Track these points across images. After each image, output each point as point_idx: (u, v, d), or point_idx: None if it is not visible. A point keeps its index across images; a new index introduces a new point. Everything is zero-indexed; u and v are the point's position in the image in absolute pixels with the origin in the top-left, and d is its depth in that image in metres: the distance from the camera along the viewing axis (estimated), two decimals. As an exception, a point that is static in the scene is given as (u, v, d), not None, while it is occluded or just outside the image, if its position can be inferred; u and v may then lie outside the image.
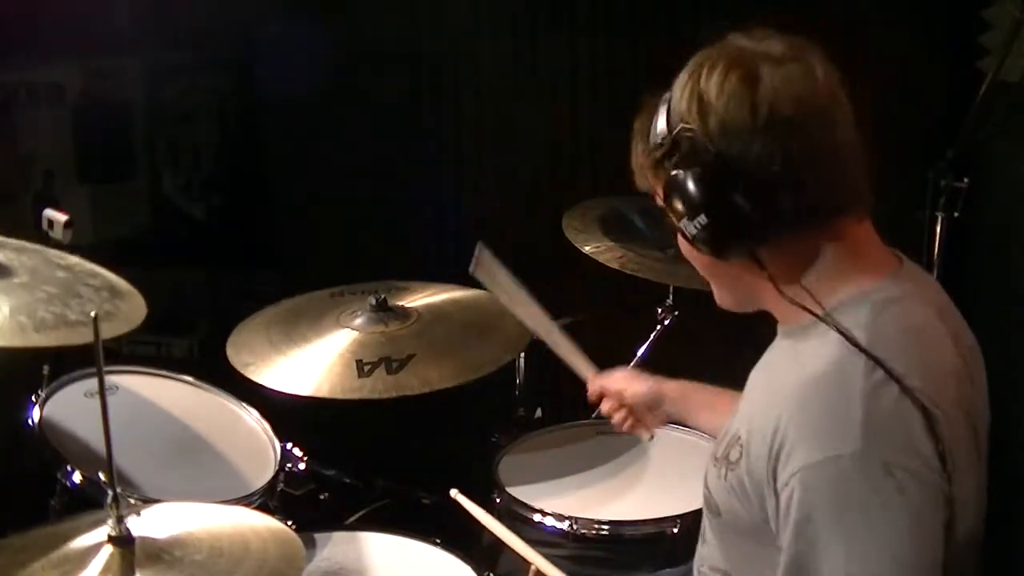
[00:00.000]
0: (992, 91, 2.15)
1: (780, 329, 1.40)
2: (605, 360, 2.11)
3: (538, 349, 2.31)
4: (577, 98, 3.20)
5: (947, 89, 2.84)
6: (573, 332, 1.99)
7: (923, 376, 1.23)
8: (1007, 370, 2.43)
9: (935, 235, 2.23)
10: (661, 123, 1.32)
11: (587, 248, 2.38)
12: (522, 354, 2.36)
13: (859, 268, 1.32)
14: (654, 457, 2.25)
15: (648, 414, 1.92)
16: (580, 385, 2.44)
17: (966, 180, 2.19)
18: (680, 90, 1.30)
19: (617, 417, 1.94)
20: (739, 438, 1.33)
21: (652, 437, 2.00)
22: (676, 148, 1.29)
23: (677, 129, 1.29)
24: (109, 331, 1.72)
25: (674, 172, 1.29)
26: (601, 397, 1.97)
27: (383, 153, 3.29)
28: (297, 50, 3.13)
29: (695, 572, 1.51)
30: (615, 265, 2.34)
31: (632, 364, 2.39)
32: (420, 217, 3.29)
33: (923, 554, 1.19)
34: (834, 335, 1.26)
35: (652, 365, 2.35)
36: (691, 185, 1.27)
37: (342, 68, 3.26)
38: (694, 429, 1.85)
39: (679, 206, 1.29)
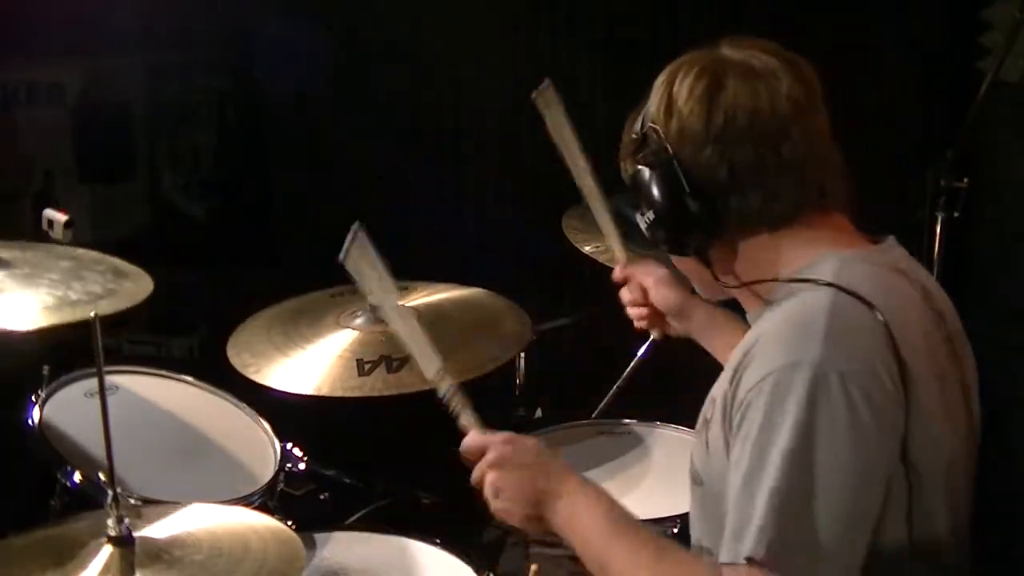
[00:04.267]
0: (992, 91, 2.15)
1: (748, 317, 1.44)
2: (605, 361, 2.11)
3: (538, 349, 2.31)
4: (577, 98, 3.19)
5: (947, 89, 2.84)
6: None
7: (888, 310, 1.26)
8: (1007, 370, 2.43)
9: (935, 235, 2.23)
10: (640, 119, 1.41)
11: (587, 248, 2.38)
12: (522, 354, 2.35)
13: (820, 241, 1.35)
14: (654, 457, 2.25)
15: (666, 320, 1.91)
16: (579, 386, 2.44)
17: (966, 180, 2.19)
18: (656, 89, 1.39)
19: (634, 310, 1.93)
20: (714, 398, 1.36)
21: (660, 338, 1.95)
22: (644, 144, 1.38)
23: (647, 127, 1.38)
24: (110, 307, 1.69)
25: (637, 167, 1.38)
26: (625, 281, 1.95)
27: (383, 153, 3.29)
28: (297, 50, 3.13)
29: None
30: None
31: (631, 365, 2.38)
32: (420, 217, 3.28)
33: (863, 475, 1.20)
34: (798, 295, 1.30)
35: (652, 365, 2.36)
36: (647, 182, 1.37)
37: (342, 68, 3.27)
38: (711, 351, 1.85)
39: (639, 200, 1.39)
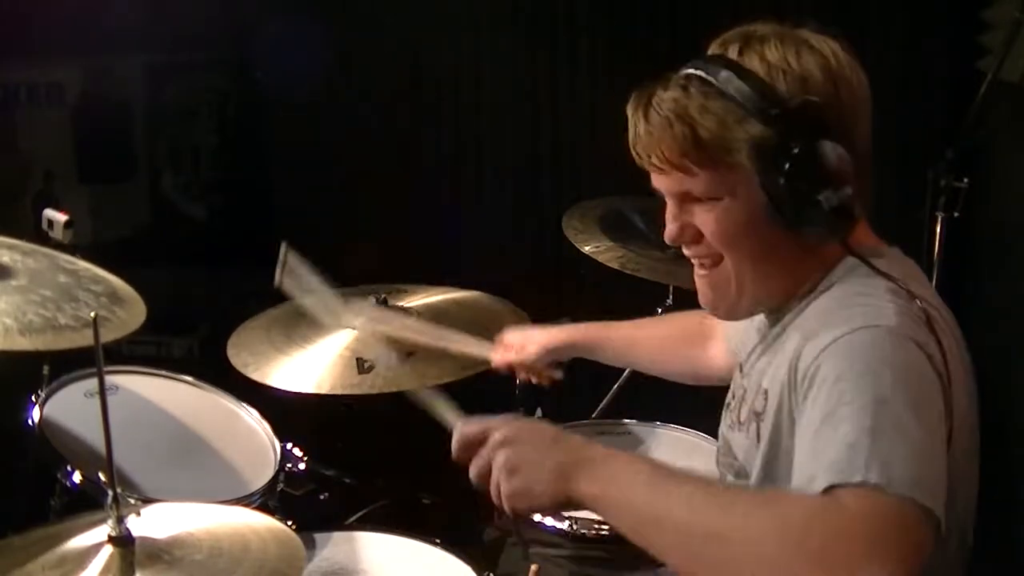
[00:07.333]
0: (992, 91, 2.15)
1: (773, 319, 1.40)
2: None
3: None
4: (577, 98, 3.20)
5: (947, 89, 2.84)
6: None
7: (931, 299, 1.27)
8: (1007, 369, 2.43)
9: (935, 235, 2.23)
10: (755, 89, 1.24)
11: (587, 248, 2.38)
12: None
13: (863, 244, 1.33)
14: (654, 457, 2.25)
15: (549, 368, 2.01)
16: (580, 385, 2.44)
17: (966, 180, 2.19)
18: (794, 58, 1.27)
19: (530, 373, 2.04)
20: (761, 385, 1.33)
21: (560, 377, 2.04)
22: (800, 117, 1.23)
23: (806, 98, 1.24)
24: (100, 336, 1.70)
25: (817, 141, 1.22)
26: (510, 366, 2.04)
27: (383, 153, 3.29)
28: (297, 50, 3.13)
29: None
30: (615, 265, 2.34)
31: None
32: (420, 217, 3.29)
33: (937, 424, 1.16)
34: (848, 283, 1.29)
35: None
36: (831, 158, 1.21)
37: (342, 68, 3.27)
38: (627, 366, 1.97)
39: (804, 181, 1.22)
